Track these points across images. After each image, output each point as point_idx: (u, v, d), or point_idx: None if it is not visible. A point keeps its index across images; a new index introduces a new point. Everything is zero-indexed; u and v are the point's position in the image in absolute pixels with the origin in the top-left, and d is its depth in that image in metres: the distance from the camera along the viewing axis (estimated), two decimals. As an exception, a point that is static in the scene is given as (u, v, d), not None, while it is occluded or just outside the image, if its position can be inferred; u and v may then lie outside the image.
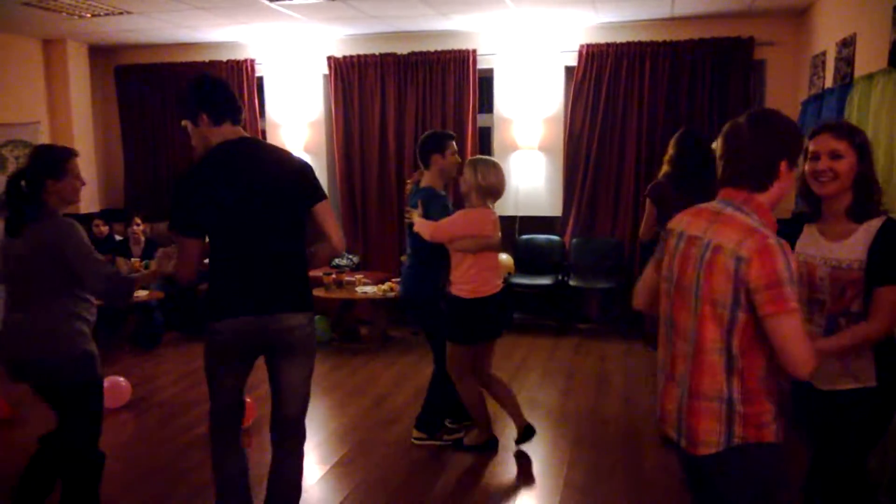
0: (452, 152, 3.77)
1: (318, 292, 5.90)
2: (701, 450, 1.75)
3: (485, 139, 6.89)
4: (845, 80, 4.28)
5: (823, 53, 4.97)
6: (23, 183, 2.59)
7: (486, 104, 6.83)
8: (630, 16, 6.05)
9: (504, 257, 6.61)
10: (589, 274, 6.36)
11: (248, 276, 2.50)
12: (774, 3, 5.54)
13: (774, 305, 1.61)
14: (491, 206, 3.59)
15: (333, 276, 6.09)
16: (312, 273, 6.20)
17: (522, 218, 6.78)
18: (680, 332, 1.82)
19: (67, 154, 2.67)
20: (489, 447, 3.77)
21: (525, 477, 3.54)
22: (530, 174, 6.74)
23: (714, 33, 6.01)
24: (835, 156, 2.09)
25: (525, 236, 6.75)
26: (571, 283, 6.35)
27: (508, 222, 6.77)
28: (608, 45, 6.27)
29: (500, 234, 3.62)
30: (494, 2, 5.50)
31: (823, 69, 4.94)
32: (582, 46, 6.34)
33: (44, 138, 6.52)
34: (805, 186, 2.17)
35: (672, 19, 6.09)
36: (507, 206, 6.78)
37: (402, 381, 5.11)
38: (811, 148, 2.13)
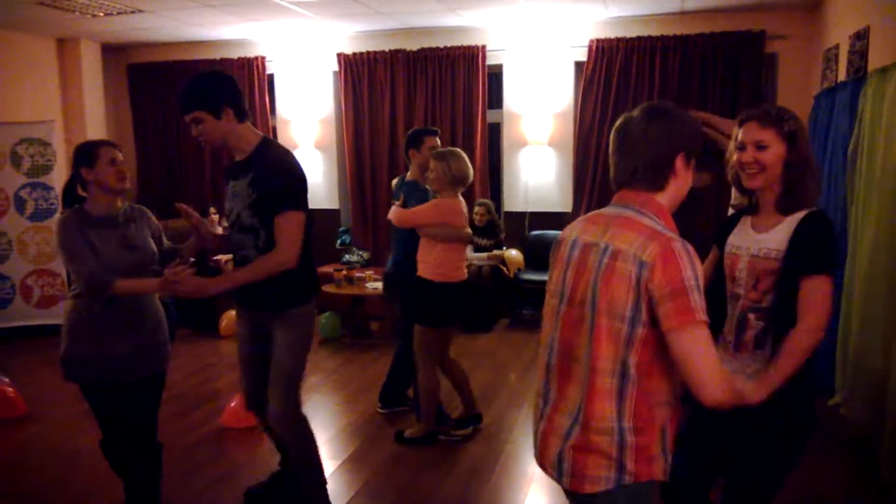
0: (429, 147, 3.91)
1: (328, 288, 5.95)
2: (587, 487, 1.54)
3: (495, 135, 6.88)
4: (858, 74, 4.24)
5: (836, 47, 4.92)
6: (74, 183, 2.68)
7: (495, 100, 6.82)
8: (640, 10, 6.02)
9: (514, 253, 6.61)
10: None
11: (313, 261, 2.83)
12: (787, -4, 5.49)
13: (679, 317, 1.42)
14: (459, 196, 3.73)
15: (344, 272, 6.12)
16: (324, 269, 6.27)
17: (532, 214, 6.77)
18: (573, 355, 1.59)
19: (101, 143, 2.70)
20: (428, 440, 3.86)
21: (535, 475, 3.55)
22: (540, 170, 6.73)
23: (725, 27, 5.96)
24: (760, 146, 1.94)
25: (535, 232, 6.74)
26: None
27: (518, 218, 6.77)
28: (618, 39, 6.24)
29: (468, 224, 3.78)
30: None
31: (836, 63, 4.89)
32: (592, 41, 6.32)
33: (58, 137, 6.58)
34: (738, 178, 2.03)
35: (682, 13, 6.05)
36: (517, 201, 6.78)
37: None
38: (739, 137, 1.99)
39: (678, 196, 1.63)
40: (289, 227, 2.58)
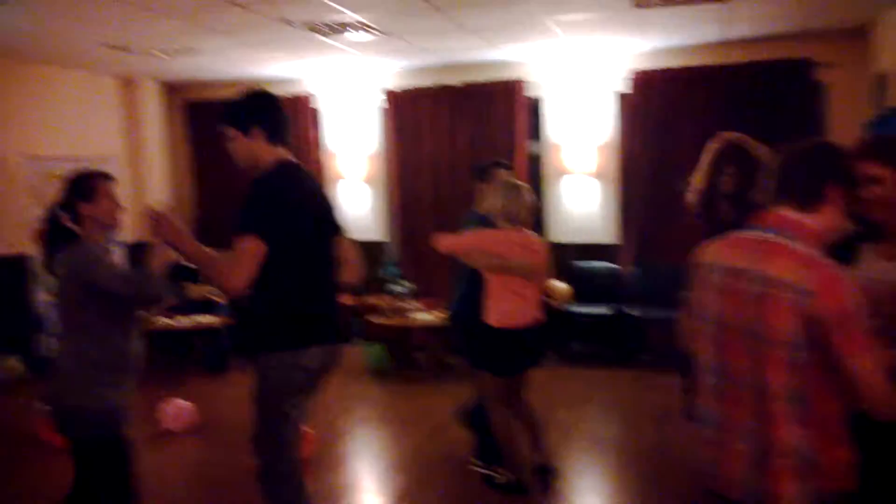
0: (494, 178, 3.80)
1: (375, 319, 6.03)
2: None
3: (535, 166, 6.94)
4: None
5: (885, 72, 4.84)
6: (59, 213, 2.53)
7: (537, 131, 6.89)
8: (681, 41, 6.03)
9: (561, 285, 6.57)
10: (649, 303, 6.24)
11: (322, 303, 2.49)
12: (830, 22, 5.42)
13: (851, 344, 1.48)
14: (520, 229, 3.50)
15: (391, 303, 6.20)
16: (371, 301, 6.31)
17: (577, 245, 6.76)
18: (737, 380, 1.64)
19: (100, 176, 2.58)
20: (515, 489, 3.57)
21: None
22: (583, 200, 6.74)
23: (768, 56, 5.91)
24: (874, 181, 1.93)
25: (580, 263, 6.72)
26: (630, 312, 6.25)
27: (561, 249, 6.78)
28: (661, 70, 6.25)
29: (524, 259, 3.44)
30: (543, 32, 5.57)
31: (886, 89, 4.80)
32: (633, 72, 6.34)
33: (120, 172, 6.90)
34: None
35: (725, 43, 6.01)
36: (560, 232, 6.79)
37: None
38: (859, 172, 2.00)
39: (833, 224, 1.65)
40: (236, 251, 2.31)
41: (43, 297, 6.23)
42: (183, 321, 6.23)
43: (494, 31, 5.56)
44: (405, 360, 6.31)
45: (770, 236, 1.63)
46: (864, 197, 1.93)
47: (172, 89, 7.90)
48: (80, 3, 4.54)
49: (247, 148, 2.50)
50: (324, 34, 5.51)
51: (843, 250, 2.04)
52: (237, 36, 5.54)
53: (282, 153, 2.53)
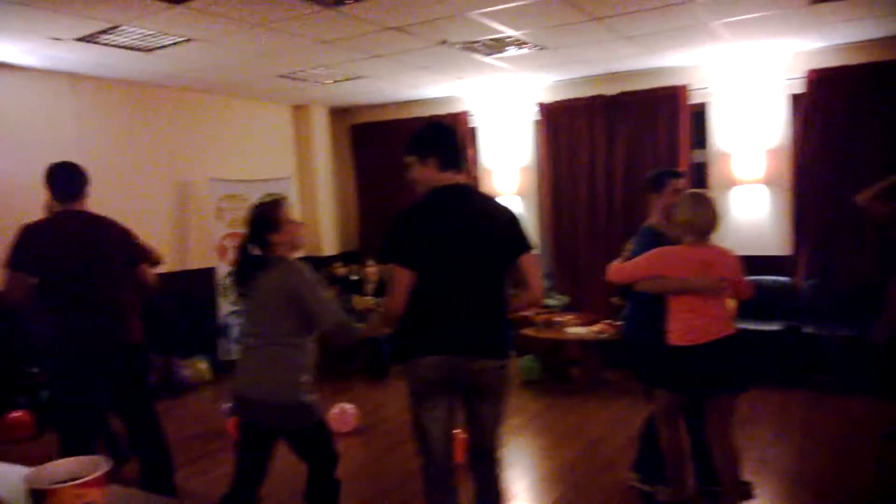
0: (673, 190, 3.60)
1: (528, 332, 6.04)
2: None
3: (700, 175, 6.63)
4: None
5: None
6: (249, 246, 2.83)
7: (699, 139, 6.59)
8: (860, 36, 5.52)
9: (728, 301, 6.20)
10: (826, 320, 5.71)
11: (452, 317, 2.63)
12: None
13: None
14: (706, 243, 3.30)
15: (544, 316, 6.19)
16: (525, 313, 6.35)
17: (745, 257, 6.34)
18: None
19: (280, 205, 2.84)
20: None
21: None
22: (752, 210, 6.33)
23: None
24: None
25: (750, 277, 6.29)
26: (805, 329, 5.76)
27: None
28: (839, 68, 5.76)
29: (706, 275, 3.23)
30: (709, 35, 5.35)
31: None
32: (809, 72, 5.89)
33: (293, 192, 7.50)
34: None
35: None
36: (729, 244, 6.38)
37: (616, 425, 5.00)
38: None
39: None
40: (389, 280, 2.69)
41: (226, 306, 6.94)
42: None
43: (655, 39, 5.42)
44: (559, 374, 6.26)
45: None
46: None
47: (338, 113, 8.46)
48: (262, 40, 5.03)
49: (422, 175, 2.76)
50: (481, 53, 5.67)
51: None
52: (399, 60, 5.85)
53: (450, 178, 2.73)
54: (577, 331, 5.97)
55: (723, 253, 3.36)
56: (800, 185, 6.05)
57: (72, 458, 1.24)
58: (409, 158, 2.79)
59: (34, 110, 5.75)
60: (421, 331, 2.66)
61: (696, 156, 6.60)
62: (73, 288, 3.32)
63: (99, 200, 3.79)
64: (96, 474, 1.20)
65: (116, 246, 3.48)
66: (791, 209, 6.13)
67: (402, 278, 2.59)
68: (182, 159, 6.91)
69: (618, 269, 3.45)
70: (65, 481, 1.18)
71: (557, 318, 6.15)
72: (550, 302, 6.89)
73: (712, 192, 6.36)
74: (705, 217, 3.26)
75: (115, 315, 3.41)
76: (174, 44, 5.02)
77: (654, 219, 3.66)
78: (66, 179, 3.45)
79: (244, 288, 2.86)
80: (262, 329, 2.80)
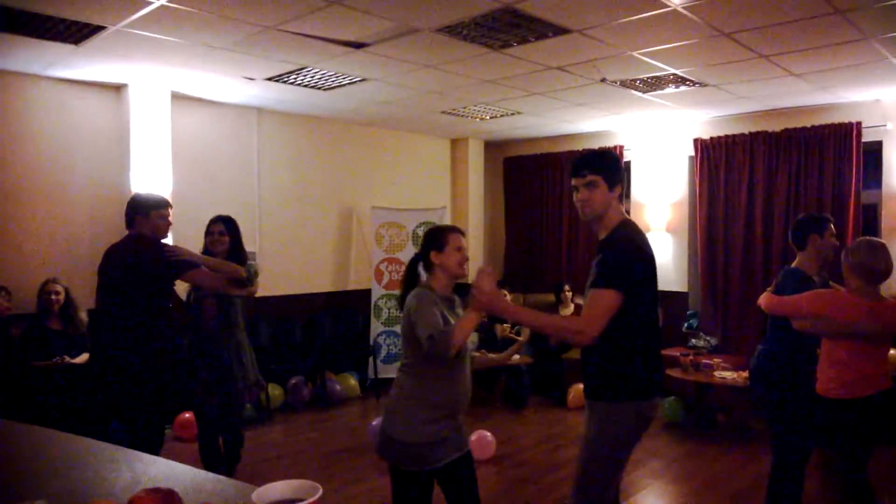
0: (831, 234, 3.58)
1: (673, 373, 5.91)
2: None
3: (869, 217, 6.20)
4: None
5: None
6: (418, 265, 2.83)
7: (871, 179, 6.17)
8: None
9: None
10: None
11: (659, 356, 2.60)
12: None
13: None
14: (870, 291, 3.19)
15: (691, 357, 6.02)
16: (670, 353, 6.20)
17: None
18: None
19: (450, 230, 2.80)
20: None
21: None
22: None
23: None
24: None
25: None
26: None
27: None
28: None
29: (872, 324, 3.09)
30: (885, 72, 5.05)
31: None
32: None
33: (447, 220, 7.87)
34: None
35: None
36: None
37: (762, 479, 4.67)
38: None
39: None
40: (593, 302, 2.43)
41: (378, 327, 7.35)
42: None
43: (825, 75, 5.22)
44: (704, 419, 6.02)
45: None
46: None
47: (492, 146, 8.77)
48: (430, 80, 5.40)
49: (606, 200, 2.56)
50: (639, 90, 5.71)
51: None
52: (557, 97, 6.02)
53: (623, 211, 2.66)
54: (724, 374, 5.74)
55: (893, 305, 3.21)
56: None
57: (290, 481, 1.26)
58: (597, 178, 2.55)
59: (223, 140, 6.51)
60: (648, 369, 2.52)
61: (869, 196, 6.18)
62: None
63: (273, 223, 4.28)
64: (314, 497, 1.21)
65: (146, 264, 3.60)
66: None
67: (615, 306, 2.40)
68: (347, 188, 7.50)
69: (778, 301, 3.40)
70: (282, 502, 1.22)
71: (704, 361, 5.94)
72: (697, 342, 6.68)
73: (884, 235, 5.96)
74: (882, 263, 3.18)
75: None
76: (351, 83, 5.51)
77: (801, 261, 3.58)
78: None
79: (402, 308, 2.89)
80: (406, 354, 2.76)
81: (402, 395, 2.67)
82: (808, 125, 6.31)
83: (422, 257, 2.80)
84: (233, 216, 4.33)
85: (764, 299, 3.51)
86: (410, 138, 8.13)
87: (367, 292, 7.41)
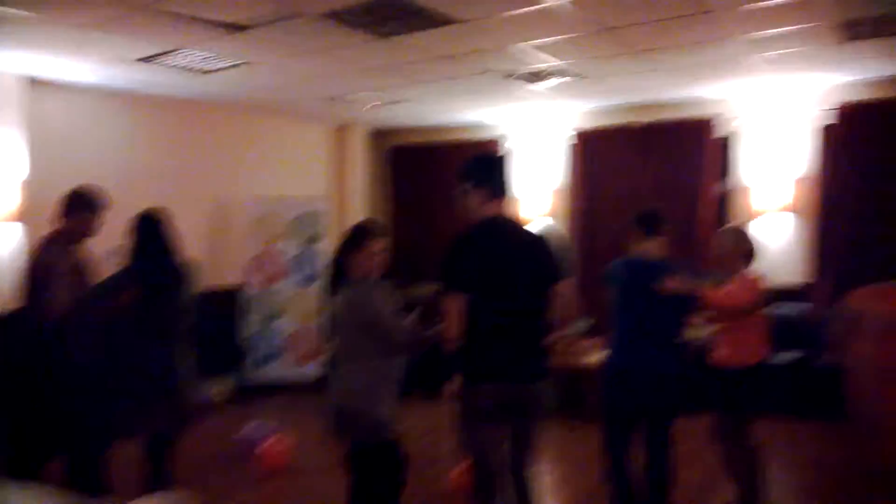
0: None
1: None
2: None
3: (726, 206, 6.74)
4: None
5: None
6: (337, 256, 3.09)
7: (727, 169, 6.71)
8: (892, 71, 5.64)
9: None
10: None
11: (510, 345, 2.77)
12: None
13: None
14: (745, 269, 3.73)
15: (564, 341, 6.17)
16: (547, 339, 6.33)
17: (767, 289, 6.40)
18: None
19: (368, 231, 3.06)
20: None
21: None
22: (776, 239, 6.41)
23: None
24: None
25: (772, 307, 6.32)
26: (824, 360, 5.69)
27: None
28: (868, 102, 5.88)
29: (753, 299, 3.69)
30: (746, 69, 5.49)
31: None
32: (840, 104, 6.01)
33: (329, 212, 7.71)
34: None
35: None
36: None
37: (638, 453, 4.98)
38: None
39: None
40: (446, 308, 2.72)
41: (251, 326, 6.98)
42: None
43: (692, 71, 5.59)
44: (574, 401, 6.18)
45: None
46: None
47: (378, 135, 8.70)
48: (313, 65, 5.27)
49: (472, 203, 2.88)
50: (523, 81, 5.86)
51: None
52: (442, 86, 6.07)
53: (496, 209, 2.87)
54: (593, 356, 5.83)
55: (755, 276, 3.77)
56: (825, 215, 6.12)
57: (164, 494, 1.27)
58: (463, 185, 2.91)
59: (89, 127, 6.05)
60: (481, 358, 2.76)
61: (722, 187, 6.71)
62: None
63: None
64: None
65: None
66: (814, 237, 6.21)
67: (462, 306, 2.68)
68: (222, 176, 7.14)
69: (734, 294, 3.64)
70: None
71: (579, 344, 6.07)
72: (576, 325, 6.93)
73: (737, 221, 6.49)
74: (749, 244, 3.75)
75: None
76: (230, 67, 5.28)
77: (658, 249, 3.65)
78: None
79: (329, 300, 3.07)
80: (344, 344, 2.98)
81: (360, 375, 2.89)
82: (673, 117, 6.76)
83: (341, 254, 3.01)
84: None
85: (722, 297, 3.61)
86: (292, 125, 7.89)
87: (240, 289, 7.06)
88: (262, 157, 7.55)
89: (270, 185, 7.54)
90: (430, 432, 5.53)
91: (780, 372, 5.77)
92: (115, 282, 3.71)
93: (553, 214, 7.63)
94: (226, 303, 6.98)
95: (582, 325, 6.86)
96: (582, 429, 5.56)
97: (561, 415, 5.85)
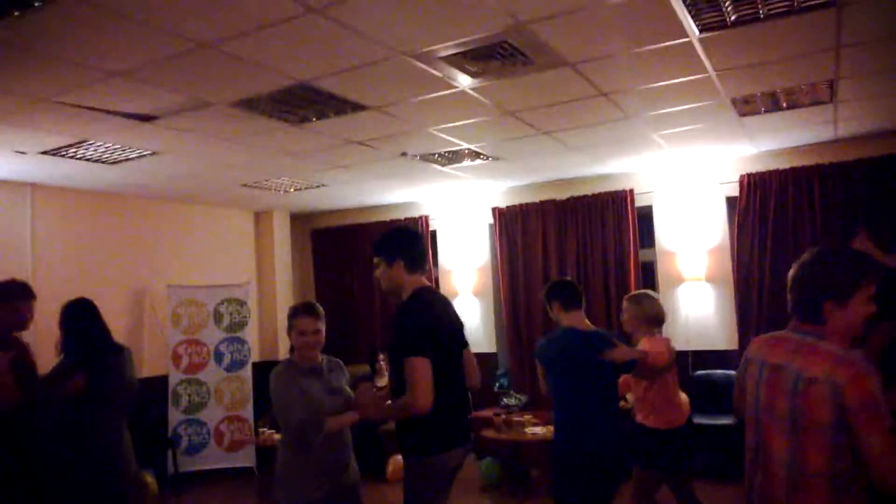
0: None
1: (487, 433, 6.03)
2: None
3: (648, 274, 6.93)
4: None
5: None
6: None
7: (647, 239, 6.94)
8: (791, 142, 6.01)
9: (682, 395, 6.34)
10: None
11: (460, 409, 2.88)
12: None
13: (870, 425, 1.75)
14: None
15: (503, 416, 6.19)
16: (484, 414, 6.30)
17: (695, 352, 6.57)
18: (774, 458, 1.94)
19: (296, 311, 3.17)
20: None
21: None
22: (698, 306, 6.61)
23: (884, 151, 5.75)
24: None
25: (700, 372, 6.50)
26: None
27: (681, 357, 6.59)
28: (770, 172, 6.22)
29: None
30: (649, 145, 5.75)
31: None
32: (742, 177, 6.34)
33: (253, 295, 7.54)
34: None
35: (837, 141, 5.94)
36: (678, 340, 6.61)
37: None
38: None
39: (848, 326, 1.91)
40: (410, 374, 2.66)
41: (177, 415, 6.75)
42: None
43: (601, 149, 5.81)
44: (518, 476, 6.19)
45: (804, 338, 1.93)
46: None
47: (299, 218, 8.65)
48: (228, 153, 5.23)
49: (389, 275, 2.91)
50: (439, 163, 5.97)
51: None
52: (361, 169, 6.11)
53: (419, 280, 2.92)
54: (535, 431, 5.93)
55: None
56: (740, 282, 6.37)
57: None
58: (377, 259, 2.95)
59: (-6, 220, 5.77)
60: (448, 423, 2.79)
61: (645, 255, 6.93)
62: None
63: (52, 309, 3.83)
64: None
65: None
66: (734, 305, 6.42)
67: (430, 371, 2.66)
68: (140, 267, 6.92)
69: (662, 353, 3.78)
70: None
71: (516, 418, 6.14)
72: (509, 402, 6.92)
73: (661, 289, 6.67)
74: (657, 309, 3.92)
75: None
76: (140, 156, 5.18)
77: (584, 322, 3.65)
78: None
79: None
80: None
81: (282, 462, 2.98)
82: (590, 193, 6.98)
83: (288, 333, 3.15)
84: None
85: (658, 356, 3.73)
86: (210, 212, 7.76)
87: (164, 378, 6.82)
88: (181, 244, 7.37)
89: (191, 272, 7.35)
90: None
91: (706, 435, 5.87)
92: (63, 369, 3.56)
93: (478, 291, 7.68)
94: (149, 392, 6.63)
95: (519, 399, 6.86)
96: (527, 500, 5.55)
97: (504, 489, 5.95)
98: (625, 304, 4.00)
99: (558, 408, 3.48)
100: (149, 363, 6.87)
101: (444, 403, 2.72)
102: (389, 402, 2.92)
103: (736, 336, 6.40)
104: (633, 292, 4.00)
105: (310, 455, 2.89)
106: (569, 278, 3.97)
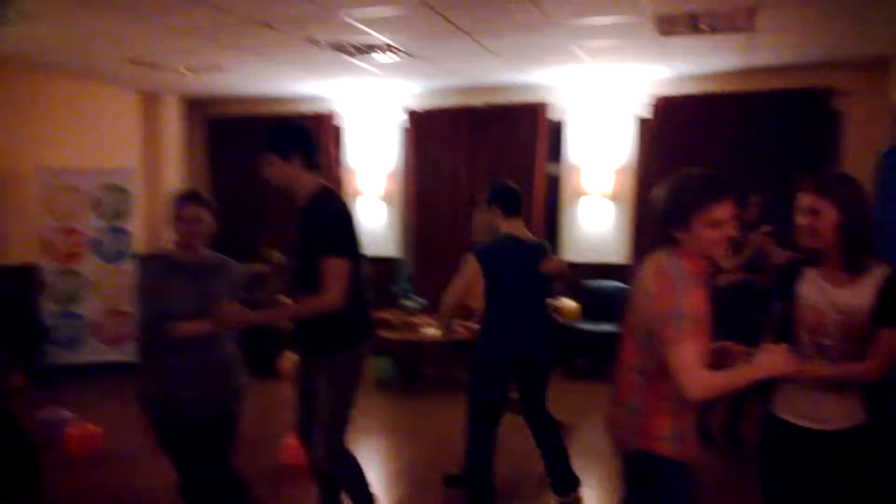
0: None
1: (385, 333, 6.06)
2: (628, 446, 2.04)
3: (555, 187, 6.98)
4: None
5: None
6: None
7: (556, 153, 6.94)
8: (704, 68, 6.07)
9: (569, 303, 6.57)
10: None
11: (368, 304, 3.00)
12: (851, 53, 5.44)
13: (671, 335, 1.81)
14: None
15: (401, 318, 6.26)
16: (383, 315, 6.35)
17: (590, 265, 6.77)
18: (621, 360, 2.07)
19: (181, 200, 2.82)
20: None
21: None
22: (598, 221, 6.77)
23: (790, 84, 5.93)
24: (813, 212, 2.10)
25: (591, 282, 6.72)
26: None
27: (575, 268, 6.78)
28: (682, 96, 6.30)
29: None
30: (569, 57, 5.63)
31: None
32: (654, 98, 6.39)
33: (137, 184, 7.01)
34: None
35: (747, 71, 6.04)
36: (573, 251, 6.80)
37: (463, 423, 5.07)
38: (797, 201, 2.15)
39: (699, 250, 1.92)
40: (330, 272, 2.69)
41: (51, 307, 6.33)
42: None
43: (520, 56, 5.64)
44: (413, 374, 6.32)
45: (660, 252, 1.99)
46: (799, 225, 2.15)
47: (194, 105, 8.03)
48: (111, 22, 4.66)
49: (284, 173, 2.82)
50: (350, 55, 5.61)
51: (786, 273, 2.26)
52: (263, 54, 5.66)
53: (317, 179, 2.85)
54: (432, 332, 6.02)
55: None
56: (641, 201, 6.53)
57: None
58: (270, 156, 2.81)
59: None
60: (361, 317, 2.91)
61: (552, 169, 6.93)
62: None
63: None
64: None
65: None
66: (632, 222, 6.60)
67: (349, 271, 2.75)
68: (6, 145, 6.22)
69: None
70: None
71: (414, 321, 6.20)
72: (408, 304, 6.94)
73: (563, 204, 6.77)
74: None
75: None
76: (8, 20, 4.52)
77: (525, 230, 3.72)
78: None
79: None
80: None
81: (148, 357, 2.80)
82: (506, 101, 6.84)
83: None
84: None
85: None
86: (91, 89, 6.99)
87: (35, 268, 6.28)
88: (56, 123, 6.67)
89: (68, 155, 6.71)
90: (265, 412, 5.29)
91: (594, 340, 6.18)
92: None
93: (387, 196, 7.50)
94: (17, 281, 6.22)
95: (419, 302, 6.93)
96: (414, 399, 5.69)
97: (397, 386, 6.06)
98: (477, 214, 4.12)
99: (493, 308, 3.54)
100: (16, 251, 6.32)
101: (358, 299, 2.82)
102: (288, 300, 2.86)
103: (632, 252, 6.62)
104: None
105: (172, 355, 2.69)
106: (512, 184, 3.70)
